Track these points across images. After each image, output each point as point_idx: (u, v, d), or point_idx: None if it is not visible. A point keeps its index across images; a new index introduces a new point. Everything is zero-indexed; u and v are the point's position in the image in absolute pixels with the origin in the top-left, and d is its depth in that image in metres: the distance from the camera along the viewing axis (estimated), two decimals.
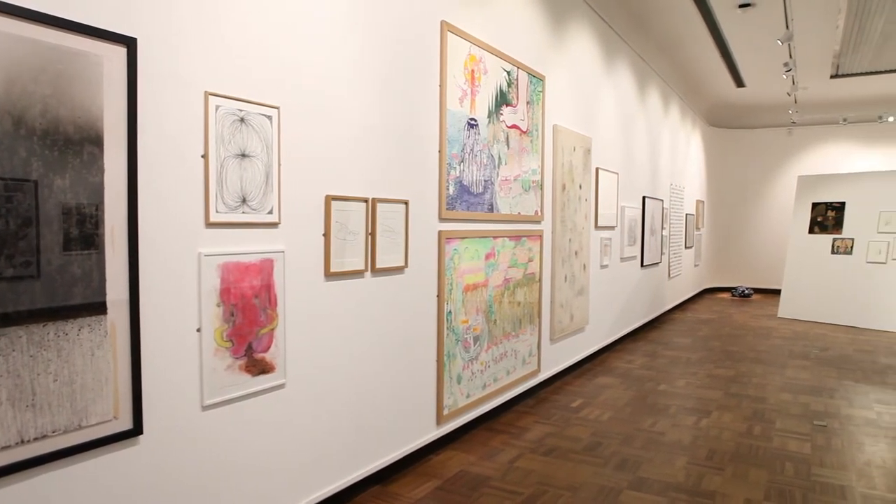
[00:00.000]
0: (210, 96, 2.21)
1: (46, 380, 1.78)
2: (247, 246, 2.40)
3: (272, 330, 2.51)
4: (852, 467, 3.56)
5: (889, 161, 11.84)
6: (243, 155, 2.35)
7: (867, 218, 9.05)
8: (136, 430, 2.01)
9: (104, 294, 1.91)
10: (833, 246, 9.32)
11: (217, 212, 2.26)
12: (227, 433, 2.36)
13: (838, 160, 12.24)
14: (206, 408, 2.26)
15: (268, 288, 2.48)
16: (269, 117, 2.46)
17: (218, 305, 2.27)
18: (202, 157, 2.21)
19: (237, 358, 2.36)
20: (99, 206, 1.89)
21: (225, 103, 2.27)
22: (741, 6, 6.83)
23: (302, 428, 2.71)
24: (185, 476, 2.20)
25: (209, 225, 2.25)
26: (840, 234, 9.29)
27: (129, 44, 1.93)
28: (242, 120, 2.34)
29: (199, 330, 2.21)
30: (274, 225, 2.52)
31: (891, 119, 11.47)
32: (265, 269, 2.46)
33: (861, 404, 4.84)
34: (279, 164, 2.52)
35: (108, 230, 1.91)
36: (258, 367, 2.45)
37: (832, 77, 9.85)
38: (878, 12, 7.05)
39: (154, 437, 2.09)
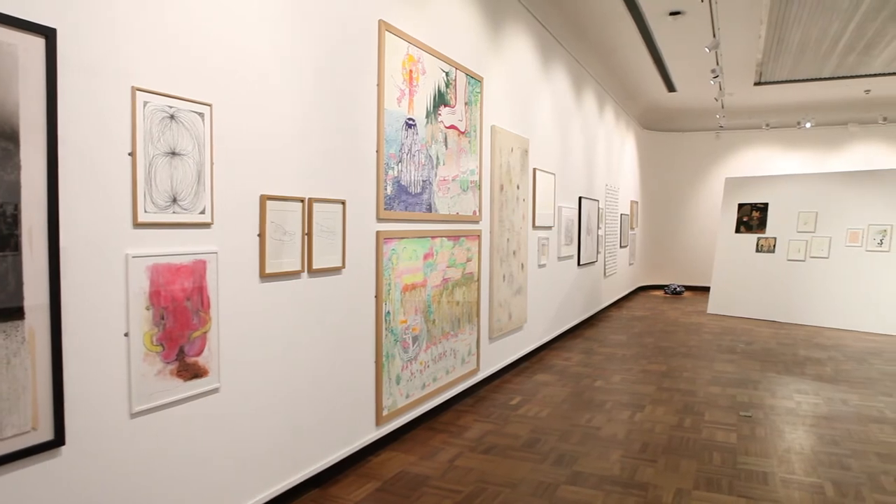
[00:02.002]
0: (138, 92, 2.13)
1: None
2: (178, 247, 2.33)
3: (205, 333, 2.43)
4: (774, 454, 3.74)
5: (807, 164, 12.51)
6: (174, 153, 2.28)
7: (788, 218, 9.53)
8: (58, 440, 1.92)
9: (21, 299, 1.81)
10: (757, 245, 9.78)
11: (146, 212, 2.18)
12: (158, 441, 2.28)
13: (762, 163, 12.85)
14: (134, 415, 2.17)
15: (200, 290, 2.40)
16: (201, 115, 2.38)
17: (147, 308, 2.19)
18: (129, 155, 2.12)
19: (168, 362, 2.28)
20: (16, 205, 1.79)
21: (154, 99, 2.19)
22: (671, 14, 7.08)
23: (237, 432, 2.64)
24: (113, 487, 2.11)
25: (137, 225, 2.16)
26: (764, 233, 9.75)
27: (48, 34, 1.84)
28: (173, 117, 2.27)
29: (126, 334, 2.13)
30: (206, 225, 2.45)
31: (808, 125, 12.14)
32: (197, 270, 2.39)
33: (782, 395, 5.09)
34: (212, 163, 2.45)
35: (25, 231, 1.81)
36: (191, 372, 2.38)
37: (756, 84, 10.33)
38: (796, 24, 7.43)
39: (78, 447, 2.00)
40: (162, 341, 2.25)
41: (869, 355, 6.79)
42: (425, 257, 4.10)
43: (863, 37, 7.82)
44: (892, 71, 9.42)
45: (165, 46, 2.25)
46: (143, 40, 2.16)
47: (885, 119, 11.74)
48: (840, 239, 8.97)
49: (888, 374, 5.87)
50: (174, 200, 2.29)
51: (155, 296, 2.22)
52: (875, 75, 9.68)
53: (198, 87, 2.39)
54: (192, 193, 2.36)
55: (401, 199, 3.79)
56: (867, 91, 10.57)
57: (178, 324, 2.32)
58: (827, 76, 9.80)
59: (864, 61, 8.94)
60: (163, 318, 2.25)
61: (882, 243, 8.57)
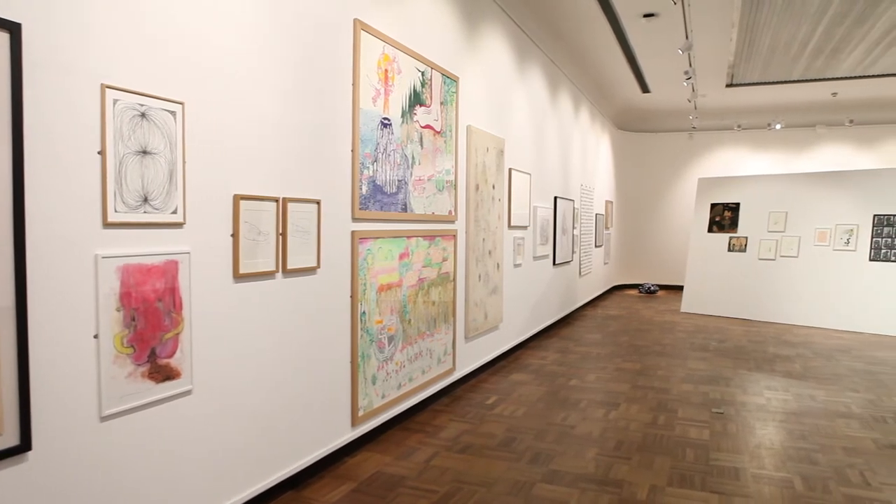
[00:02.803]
0: (107, 89, 2.09)
1: None
2: (149, 247, 2.29)
3: (177, 334, 2.40)
4: (745, 450, 3.80)
5: (777, 165, 12.75)
6: (145, 152, 2.24)
7: (759, 218, 9.70)
8: (24, 445, 1.88)
9: None
10: (729, 244, 9.93)
11: (116, 211, 2.14)
12: (129, 444, 2.24)
13: (733, 163, 13.06)
14: (104, 418, 2.14)
15: (172, 291, 2.37)
16: (173, 113, 2.35)
17: (118, 310, 2.15)
18: (99, 153, 2.09)
19: (139, 364, 2.25)
20: None
21: (124, 97, 2.15)
22: (645, 16, 7.16)
23: (210, 434, 2.61)
24: (82, 492, 2.07)
25: (107, 225, 2.13)
26: (735, 233, 9.91)
27: (13, 30, 1.80)
28: (144, 115, 2.23)
29: (96, 336, 2.09)
30: (178, 225, 2.42)
31: (778, 127, 12.36)
32: (169, 270, 2.36)
33: (753, 391, 5.18)
34: (184, 163, 2.41)
35: None
36: (163, 374, 2.35)
37: (727, 86, 10.50)
38: (766, 28, 7.57)
39: (45, 452, 1.96)
40: (133, 343, 2.22)
41: (836, 352, 6.94)
42: (401, 257, 4.10)
43: (830, 41, 7.99)
44: (858, 74, 9.64)
45: (136, 44, 2.21)
46: (113, 37, 2.12)
47: (851, 121, 12.01)
48: (809, 238, 9.15)
49: (855, 371, 6.00)
50: (145, 200, 2.25)
51: (126, 297, 2.18)
52: (842, 78, 9.90)
53: (170, 86, 2.35)
54: (164, 193, 2.33)
55: (376, 198, 3.78)
56: (834, 94, 10.81)
57: (150, 325, 2.28)
58: (796, 79, 10.00)
59: (831, 65, 9.14)
60: (134, 320, 2.22)
61: (849, 243, 8.76)
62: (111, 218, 2.13)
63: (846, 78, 9.86)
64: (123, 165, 2.16)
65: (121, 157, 2.15)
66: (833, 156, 12.39)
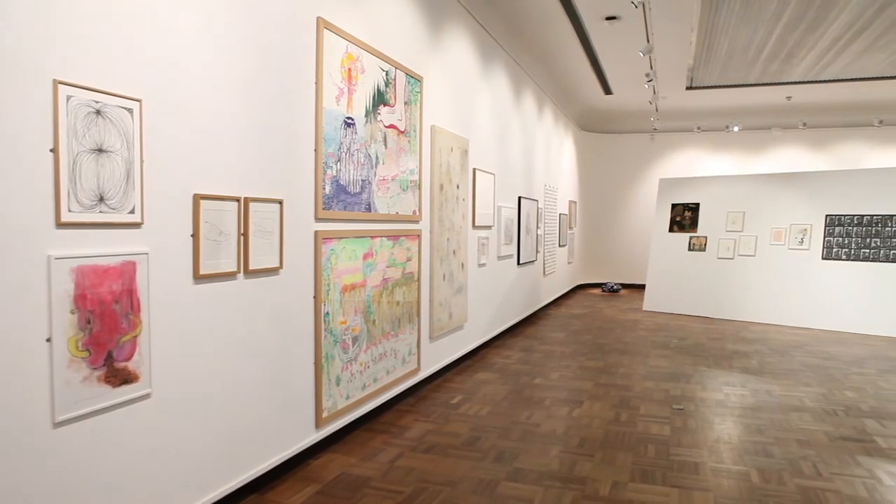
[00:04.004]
0: (60, 85, 2.04)
1: None
2: (105, 248, 2.24)
3: (135, 337, 2.35)
4: (704, 445, 3.89)
5: (735, 166, 13.06)
6: (100, 150, 2.19)
7: (718, 218, 9.93)
8: None
9: None
10: (689, 243, 10.15)
11: (70, 211, 2.09)
12: (85, 451, 2.18)
13: (693, 164, 13.34)
14: (58, 424, 2.08)
15: (130, 292, 2.32)
16: (130, 110, 2.30)
17: (72, 312, 2.10)
18: (51, 151, 2.03)
19: (95, 368, 2.19)
20: None
21: (78, 93, 2.10)
22: (608, 19, 7.26)
23: (171, 439, 2.56)
24: (35, 501, 2.01)
25: (60, 225, 2.07)
26: (695, 232, 10.12)
27: None
28: (99, 112, 2.18)
29: (49, 340, 2.03)
30: (136, 225, 2.36)
31: (736, 129, 12.67)
32: (127, 272, 2.31)
33: (712, 387, 5.30)
34: (142, 161, 2.36)
35: None
36: (120, 378, 2.29)
37: (687, 88, 10.72)
38: (724, 33, 7.76)
39: None
40: (88, 346, 2.16)
41: (791, 348, 7.15)
42: (365, 257, 4.08)
43: (784, 46, 8.23)
44: (810, 79, 9.95)
45: (91, 39, 2.15)
46: (66, 32, 2.07)
47: (805, 124, 12.38)
48: (765, 238, 9.41)
49: (808, 366, 6.19)
50: (101, 199, 2.20)
51: (80, 299, 2.13)
52: (796, 83, 10.21)
53: (127, 83, 2.30)
54: (121, 192, 2.28)
55: (340, 198, 3.75)
56: (789, 97, 11.14)
57: (106, 328, 2.23)
58: (752, 83, 10.27)
59: (785, 69, 9.41)
60: (89, 322, 2.16)
61: (803, 242, 9.03)
62: (65, 218, 2.07)
63: (800, 82, 10.17)
64: (78, 164, 2.11)
65: (75, 155, 2.10)
66: (788, 157, 12.75)
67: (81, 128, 2.12)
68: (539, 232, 9.50)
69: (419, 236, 4.93)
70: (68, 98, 2.07)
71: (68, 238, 2.10)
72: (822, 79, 9.90)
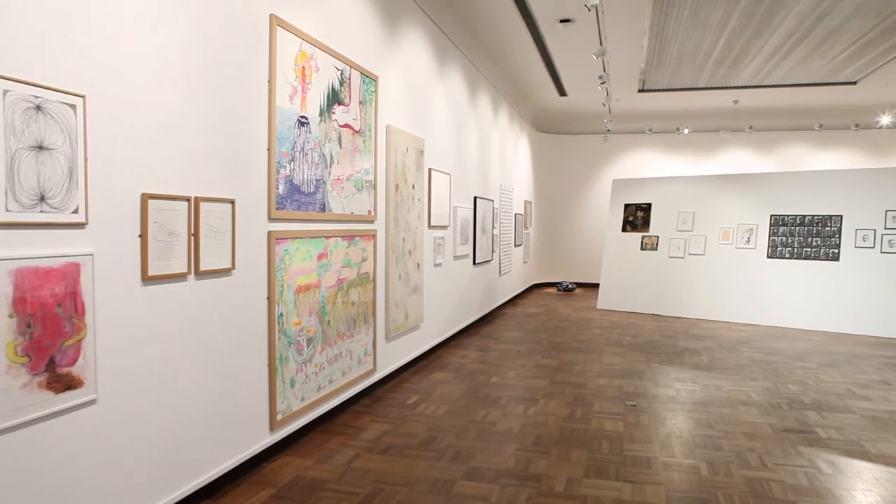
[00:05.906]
0: None
1: None
2: (47, 249, 2.15)
3: (80, 341, 2.27)
4: (656, 440, 3.98)
5: (686, 167, 13.40)
6: (41, 147, 2.11)
7: (669, 218, 10.16)
8: None
9: None
10: (642, 243, 10.36)
11: (7, 210, 2.00)
12: (25, 461, 2.10)
13: (646, 165, 13.63)
14: None
15: (73, 295, 2.24)
16: (73, 106, 2.22)
17: (10, 316, 2.01)
18: None
19: (36, 374, 2.11)
20: None
21: (16, 87, 2.01)
22: (562, 21, 7.36)
23: (119, 445, 2.49)
24: None
25: None
26: (648, 232, 10.34)
27: None
28: (39, 108, 2.10)
29: None
30: (80, 226, 2.28)
31: (686, 131, 13.01)
32: (70, 274, 2.23)
33: (664, 384, 5.42)
34: (86, 159, 2.29)
35: None
36: (63, 383, 2.21)
37: (639, 91, 10.95)
38: (674, 38, 7.95)
39: None
40: (28, 351, 2.08)
41: (739, 344, 7.37)
42: (319, 258, 4.04)
43: (731, 51, 8.48)
44: (756, 84, 10.29)
45: (31, 31, 2.07)
46: (2, 23, 1.98)
47: (751, 127, 12.80)
48: (714, 237, 9.67)
49: (755, 361, 6.39)
50: (42, 199, 2.12)
51: (20, 302, 2.05)
52: (742, 87, 10.54)
53: (69, 77, 2.22)
54: (64, 191, 2.20)
55: (293, 198, 3.70)
56: (735, 101, 11.48)
57: (48, 332, 2.15)
58: (701, 86, 10.56)
59: (732, 74, 9.71)
60: (29, 327, 2.08)
61: (749, 241, 9.32)
62: (2, 217, 1.99)
63: (746, 87, 10.50)
64: (16, 161, 2.02)
65: (13, 152, 2.02)
66: (736, 159, 13.15)
67: (20, 124, 2.04)
68: (495, 232, 9.56)
69: (374, 236, 4.90)
70: (5, 92, 1.98)
71: (6, 239, 2.01)
72: (767, 83, 10.25)
